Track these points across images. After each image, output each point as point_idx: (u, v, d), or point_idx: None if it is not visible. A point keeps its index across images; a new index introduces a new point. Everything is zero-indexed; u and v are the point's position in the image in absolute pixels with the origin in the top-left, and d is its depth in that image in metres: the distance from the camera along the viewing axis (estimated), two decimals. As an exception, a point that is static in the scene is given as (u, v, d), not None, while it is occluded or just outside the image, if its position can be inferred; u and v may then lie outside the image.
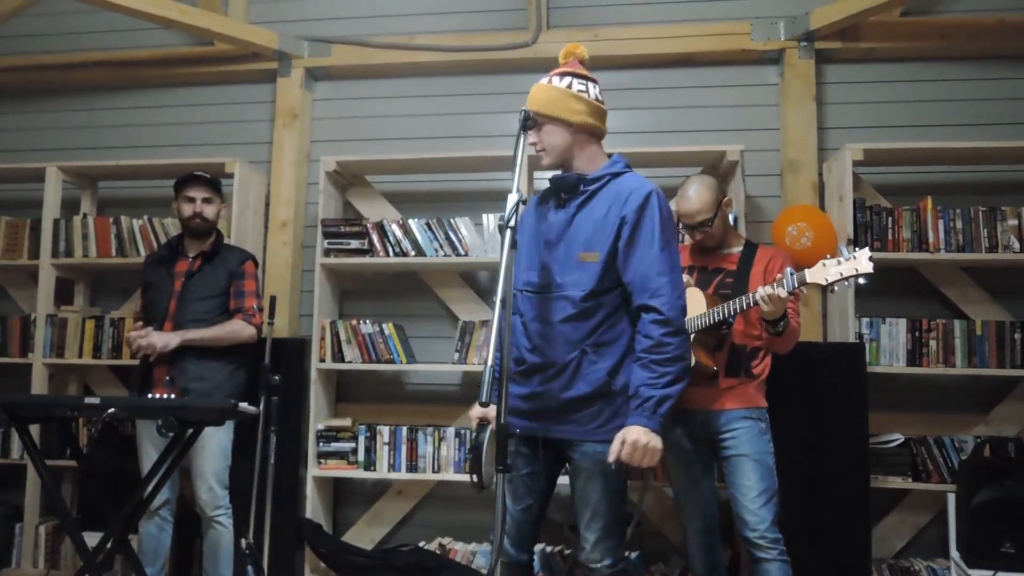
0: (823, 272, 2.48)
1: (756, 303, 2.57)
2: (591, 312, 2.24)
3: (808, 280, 2.51)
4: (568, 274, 2.26)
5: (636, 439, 2.09)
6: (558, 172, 2.38)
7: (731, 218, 3.59)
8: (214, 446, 3.18)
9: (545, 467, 2.35)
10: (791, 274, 2.54)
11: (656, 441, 2.11)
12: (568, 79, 2.34)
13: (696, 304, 2.73)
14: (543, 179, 4.16)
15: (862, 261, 2.41)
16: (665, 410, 2.13)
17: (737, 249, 2.90)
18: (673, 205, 2.75)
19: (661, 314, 2.16)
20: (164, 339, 3.12)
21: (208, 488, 3.19)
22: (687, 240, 3.04)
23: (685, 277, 2.71)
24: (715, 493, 2.89)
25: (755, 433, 2.70)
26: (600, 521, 2.25)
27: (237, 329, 3.27)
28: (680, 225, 2.90)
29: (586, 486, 2.26)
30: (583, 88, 2.33)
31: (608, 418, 2.23)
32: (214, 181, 3.42)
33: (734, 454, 2.70)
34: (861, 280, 2.39)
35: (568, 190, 2.33)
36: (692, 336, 2.63)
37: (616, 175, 2.32)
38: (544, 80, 2.36)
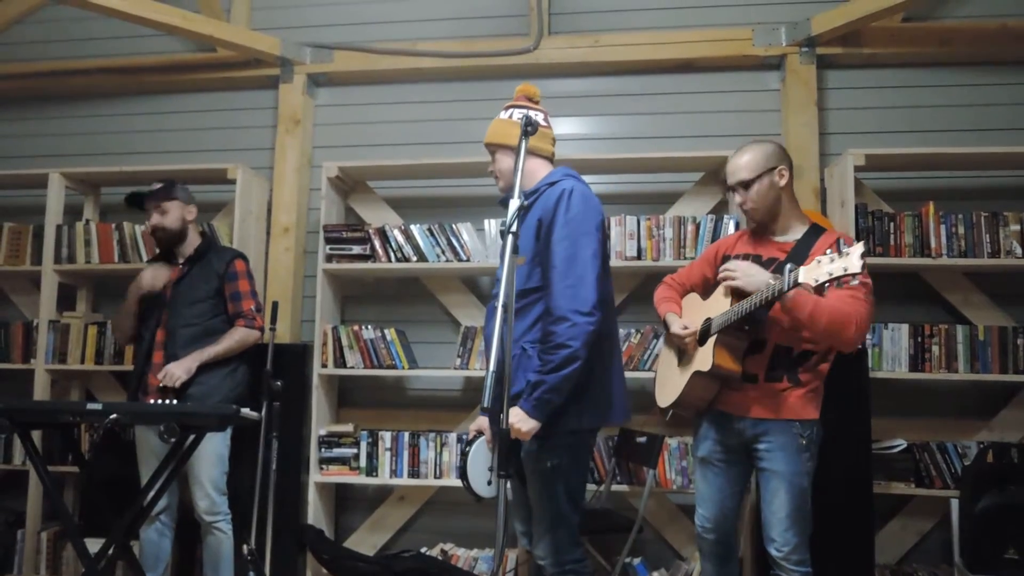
0: (815, 271, 2.16)
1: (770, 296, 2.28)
2: (524, 311, 2.37)
3: (801, 279, 2.19)
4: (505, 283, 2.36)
5: (512, 421, 2.21)
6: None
7: (731, 225, 3.58)
8: (209, 452, 3.16)
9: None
10: (788, 271, 2.23)
11: (527, 424, 2.23)
12: (511, 111, 2.54)
13: (722, 301, 2.53)
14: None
15: (852, 259, 2.10)
16: (541, 394, 2.23)
17: (795, 236, 2.56)
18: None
19: (548, 304, 2.31)
20: (184, 367, 3.12)
21: (205, 495, 3.18)
22: (745, 225, 2.82)
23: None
24: (738, 506, 2.68)
25: (792, 450, 2.44)
26: (545, 520, 2.34)
27: (243, 337, 3.28)
28: (728, 192, 2.75)
29: (531, 483, 2.37)
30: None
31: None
32: (159, 190, 3.37)
33: (766, 468, 2.48)
34: (854, 282, 2.20)
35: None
36: (714, 337, 2.47)
37: (552, 184, 2.44)
38: (500, 114, 2.56)
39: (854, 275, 2.14)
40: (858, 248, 2.10)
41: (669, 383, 2.72)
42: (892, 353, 3.58)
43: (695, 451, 2.71)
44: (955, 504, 3.42)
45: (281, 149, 4.30)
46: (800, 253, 2.47)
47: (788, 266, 2.27)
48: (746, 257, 2.59)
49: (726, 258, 2.67)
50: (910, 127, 3.97)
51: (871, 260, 3.54)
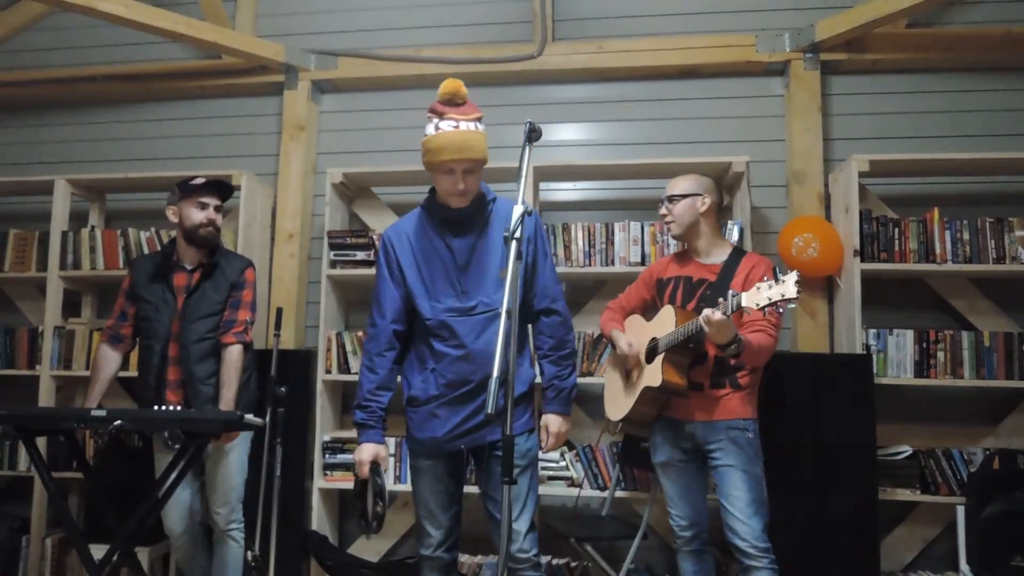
0: (756, 296, 2.35)
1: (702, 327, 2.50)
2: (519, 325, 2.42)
3: (743, 304, 2.39)
4: (495, 292, 2.41)
5: (559, 429, 2.50)
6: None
7: (735, 231, 3.61)
8: (234, 460, 3.15)
9: (462, 474, 2.58)
10: (732, 296, 2.44)
11: (569, 426, 2.54)
12: (473, 123, 2.43)
13: (668, 321, 2.74)
14: (548, 190, 4.19)
15: (788, 286, 2.28)
16: (568, 396, 2.53)
17: (720, 258, 2.87)
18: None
19: (561, 315, 2.55)
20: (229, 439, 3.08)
21: (225, 502, 3.14)
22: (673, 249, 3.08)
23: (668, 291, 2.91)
24: (704, 502, 2.88)
25: (742, 444, 2.70)
26: (530, 511, 2.44)
27: (235, 360, 3.10)
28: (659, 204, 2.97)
29: (518, 479, 2.40)
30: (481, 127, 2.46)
31: (530, 413, 2.53)
32: (227, 189, 3.30)
33: (722, 464, 2.71)
34: (791, 305, 2.30)
35: (468, 218, 2.47)
36: (662, 355, 2.69)
37: (492, 200, 2.55)
38: (464, 125, 2.40)
39: (790, 300, 2.30)
40: (793, 276, 2.30)
41: (618, 398, 2.98)
42: (897, 359, 3.57)
43: (655, 459, 2.92)
44: (961, 511, 3.40)
45: (285, 155, 4.32)
46: (727, 274, 2.80)
47: (731, 292, 2.46)
48: (678, 280, 2.91)
49: (659, 281, 2.99)
50: (914, 133, 3.97)
51: (876, 266, 3.57)
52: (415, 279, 2.47)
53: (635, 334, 2.93)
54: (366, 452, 2.46)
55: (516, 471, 2.37)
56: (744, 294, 2.41)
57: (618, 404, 2.97)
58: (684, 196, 2.87)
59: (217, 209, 3.24)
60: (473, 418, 2.42)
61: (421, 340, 2.50)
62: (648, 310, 3.05)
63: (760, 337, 2.64)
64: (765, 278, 2.36)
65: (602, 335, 3.10)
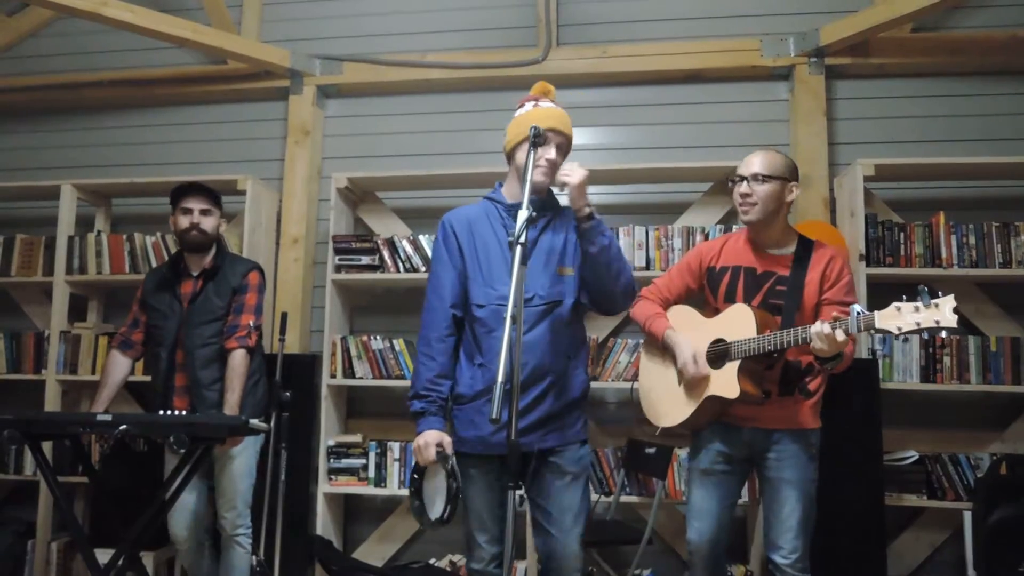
0: (896, 319, 2.11)
1: (811, 338, 2.24)
2: (574, 321, 2.41)
3: (878, 326, 2.13)
4: (552, 287, 2.36)
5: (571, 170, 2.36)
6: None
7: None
8: (241, 465, 3.14)
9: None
10: (857, 314, 2.17)
11: (581, 174, 2.35)
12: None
13: (745, 324, 2.44)
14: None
15: (945, 312, 2.05)
16: (603, 228, 2.37)
17: (790, 249, 2.56)
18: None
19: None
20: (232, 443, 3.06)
21: (232, 507, 3.14)
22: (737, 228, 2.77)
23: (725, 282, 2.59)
24: (731, 519, 2.64)
25: (804, 459, 2.48)
26: (582, 523, 2.35)
27: (242, 364, 3.09)
28: (731, 186, 2.59)
29: (569, 489, 2.34)
30: None
31: (583, 421, 2.43)
32: (213, 192, 3.28)
33: (776, 476, 2.49)
34: (943, 334, 2.19)
35: (538, 209, 2.35)
36: (738, 363, 2.42)
37: (557, 201, 2.52)
38: (549, 104, 2.44)
39: (947, 329, 2.08)
40: (949, 301, 2.06)
41: (667, 402, 2.65)
42: (903, 364, 3.56)
43: (695, 463, 2.64)
44: (968, 516, 3.39)
45: (290, 160, 4.33)
46: (800, 267, 2.50)
47: (855, 308, 2.20)
48: (737, 270, 2.58)
49: (711, 270, 2.65)
50: (920, 137, 3.96)
51: (882, 270, 3.56)
52: (473, 264, 2.38)
53: (688, 331, 2.61)
54: (430, 436, 2.24)
55: (567, 479, 2.33)
56: (878, 315, 2.14)
57: (668, 409, 2.64)
58: (772, 178, 2.49)
59: (204, 212, 3.21)
60: (524, 417, 2.27)
61: (470, 334, 2.39)
62: (689, 300, 2.75)
63: (851, 348, 2.40)
64: (905, 298, 2.12)
65: (645, 329, 2.71)
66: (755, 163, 2.53)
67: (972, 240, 3.56)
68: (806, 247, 2.55)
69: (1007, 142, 3.87)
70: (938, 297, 2.08)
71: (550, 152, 2.35)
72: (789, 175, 2.53)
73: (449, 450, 2.22)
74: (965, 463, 3.52)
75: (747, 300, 2.53)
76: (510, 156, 2.44)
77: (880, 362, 3.50)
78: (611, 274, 2.37)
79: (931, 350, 3.54)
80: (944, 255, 3.56)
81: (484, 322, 2.34)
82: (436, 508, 2.20)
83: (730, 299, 2.56)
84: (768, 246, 2.58)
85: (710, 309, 2.64)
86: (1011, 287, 3.74)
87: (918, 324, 2.09)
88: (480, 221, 2.45)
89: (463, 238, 2.41)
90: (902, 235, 3.60)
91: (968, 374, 3.52)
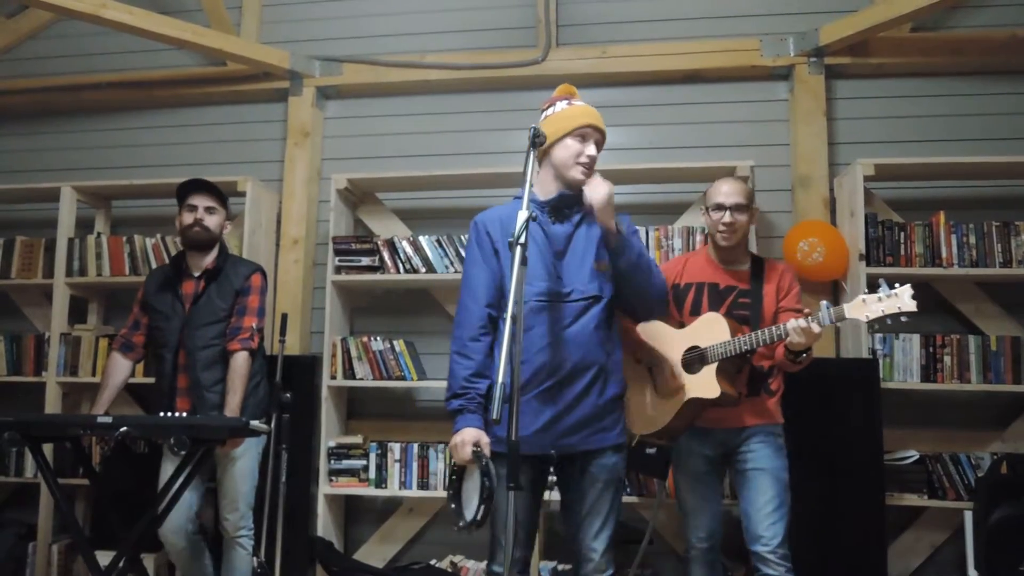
0: (863, 308, 2.38)
1: (787, 334, 2.47)
2: (611, 317, 2.41)
3: (848, 316, 2.42)
4: (590, 282, 2.35)
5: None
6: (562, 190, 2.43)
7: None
8: (244, 467, 3.14)
9: (543, 484, 2.39)
10: (827, 308, 2.43)
11: (606, 188, 2.35)
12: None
13: (719, 331, 2.62)
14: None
15: (904, 299, 2.32)
16: (631, 235, 2.41)
17: (746, 265, 2.84)
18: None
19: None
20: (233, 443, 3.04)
21: (235, 508, 3.13)
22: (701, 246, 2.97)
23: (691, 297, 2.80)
24: (721, 511, 2.86)
25: (774, 449, 2.70)
26: (609, 530, 2.33)
27: (244, 366, 3.09)
28: (708, 212, 2.80)
29: (601, 496, 2.32)
30: None
31: (621, 426, 2.40)
32: (219, 191, 3.27)
33: (751, 468, 2.68)
34: (903, 318, 2.32)
35: (570, 205, 2.43)
36: (715, 365, 2.58)
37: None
38: (581, 103, 2.45)
39: (910, 313, 2.33)
40: (907, 289, 2.32)
41: (644, 409, 2.76)
42: (904, 364, 3.56)
43: (681, 469, 2.85)
44: (969, 516, 3.39)
45: (290, 161, 4.33)
46: (757, 280, 2.78)
47: (824, 303, 2.45)
48: (700, 286, 2.81)
49: (675, 287, 2.84)
50: (920, 137, 3.96)
51: (882, 270, 3.56)
52: (508, 260, 2.29)
53: (660, 342, 2.74)
54: (468, 434, 2.20)
55: (599, 486, 2.32)
56: (846, 306, 2.41)
57: (646, 416, 2.76)
58: (748, 207, 2.78)
59: (209, 210, 3.21)
60: (565, 418, 2.28)
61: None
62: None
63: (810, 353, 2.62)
64: (867, 291, 2.39)
65: None
66: (735, 193, 2.76)
67: (972, 240, 3.56)
68: (758, 263, 2.84)
69: (1007, 142, 3.87)
70: (895, 287, 2.34)
71: (591, 148, 2.39)
72: (753, 200, 2.84)
73: (486, 450, 2.18)
74: (966, 463, 3.52)
75: (712, 311, 2.74)
76: (546, 152, 2.40)
77: (880, 362, 3.51)
78: (643, 285, 2.43)
79: (931, 349, 3.55)
80: (944, 255, 3.56)
81: (522, 319, 2.31)
82: (470, 509, 2.16)
83: (696, 312, 2.77)
84: (729, 263, 2.84)
85: (675, 323, 2.79)
86: (1011, 286, 3.74)
87: (883, 312, 2.35)
88: (513, 220, 2.42)
89: (497, 238, 2.41)
90: (902, 235, 3.60)
91: (969, 373, 3.52)
